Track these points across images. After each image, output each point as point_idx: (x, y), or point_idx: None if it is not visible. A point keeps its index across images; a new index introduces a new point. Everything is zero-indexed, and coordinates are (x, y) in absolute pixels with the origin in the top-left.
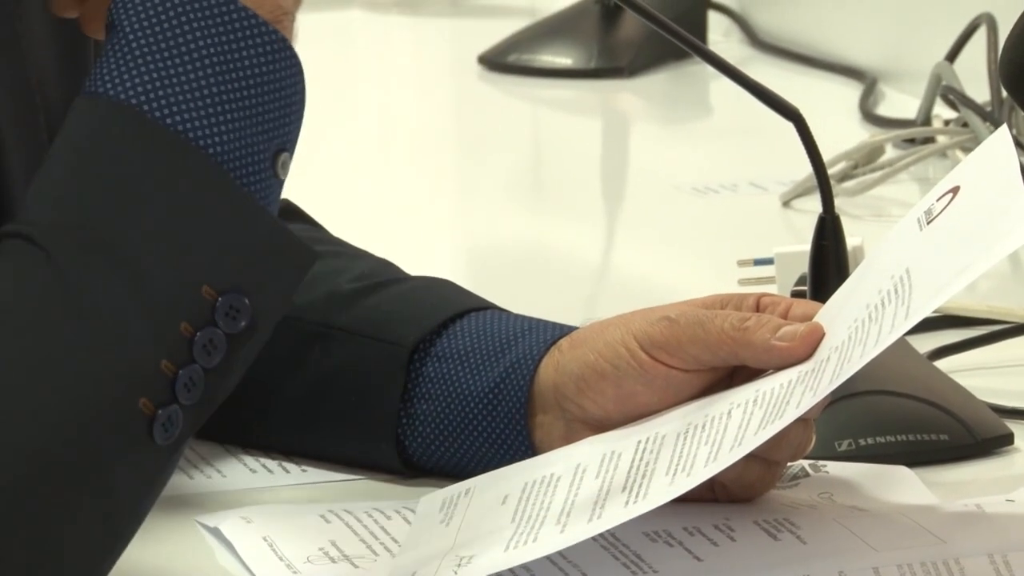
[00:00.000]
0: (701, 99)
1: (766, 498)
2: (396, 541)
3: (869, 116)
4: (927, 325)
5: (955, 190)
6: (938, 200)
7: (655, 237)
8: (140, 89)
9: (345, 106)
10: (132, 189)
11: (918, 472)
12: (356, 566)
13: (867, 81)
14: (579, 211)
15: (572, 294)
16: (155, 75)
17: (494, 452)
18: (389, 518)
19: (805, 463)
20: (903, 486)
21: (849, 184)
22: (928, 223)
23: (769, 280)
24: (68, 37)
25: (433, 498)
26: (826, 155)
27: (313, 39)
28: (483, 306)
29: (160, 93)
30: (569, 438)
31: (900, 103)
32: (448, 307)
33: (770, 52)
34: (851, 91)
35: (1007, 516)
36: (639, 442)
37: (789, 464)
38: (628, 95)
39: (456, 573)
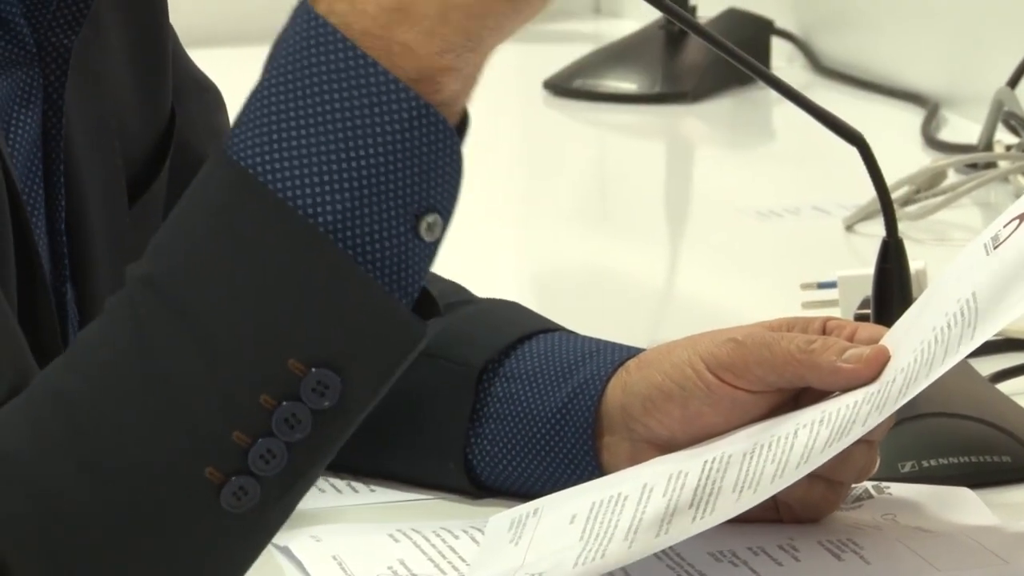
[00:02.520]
0: (764, 124)
1: (830, 519)
2: (464, 560)
3: (931, 141)
4: (989, 348)
5: (1022, 216)
6: (1005, 226)
7: (719, 260)
8: (254, 150)
9: None
10: (225, 253)
11: (980, 493)
12: None
13: (929, 106)
14: (643, 234)
15: (637, 316)
16: (272, 136)
17: (561, 472)
18: (457, 538)
19: (869, 484)
20: (966, 507)
21: (911, 208)
22: (995, 248)
23: (832, 303)
24: (144, 66)
25: (501, 518)
26: (888, 179)
27: None
28: (550, 328)
29: (272, 156)
30: (635, 458)
31: (962, 128)
32: (516, 328)
33: (832, 77)
34: (913, 116)
35: None
36: (706, 462)
37: (853, 486)
38: (692, 120)
39: None
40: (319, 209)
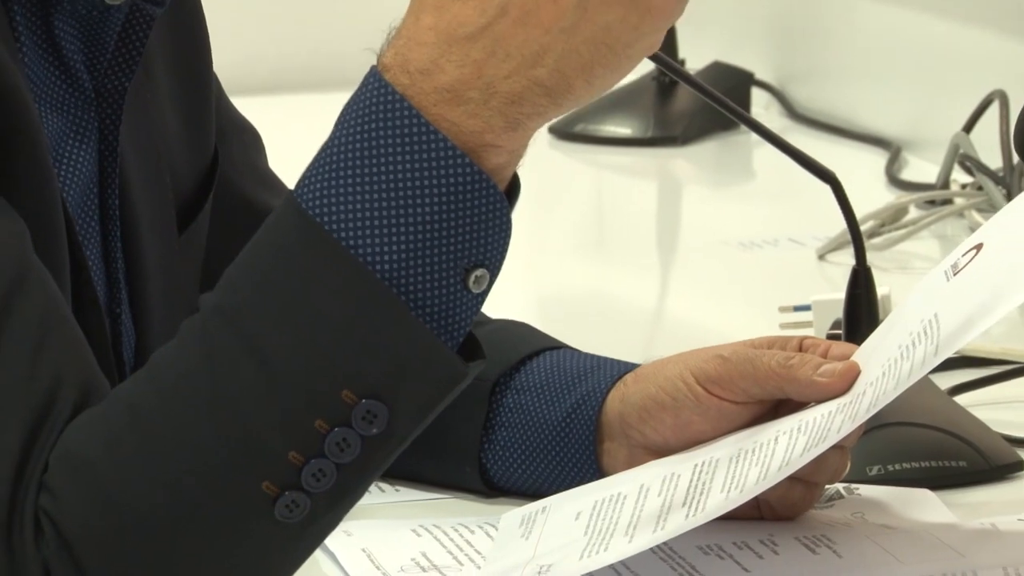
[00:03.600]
0: (745, 165)
1: (806, 517)
2: (480, 553)
3: (894, 180)
4: (947, 365)
5: (979, 247)
6: (963, 255)
7: (705, 286)
8: (322, 201)
9: None
10: (290, 291)
11: (939, 495)
12: (443, 574)
13: (892, 149)
14: (637, 262)
15: (632, 336)
16: (339, 189)
17: (566, 474)
18: (473, 532)
19: (840, 486)
20: (926, 507)
21: (877, 240)
22: (954, 275)
23: (807, 324)
24: (191, 109)
25: (513, 515)
26: (856, 214)
27: None
28: (556, 345)
29: (338, 208)
30: (632, 462)
31: (922, 169)
32: (526, 346)
33: (806, 123)
34: (878, 158)
35: (1019, 534)
36: (696, 465)
37: (827, 487)
38: (681, 161)
39: None
40: (377, 258)
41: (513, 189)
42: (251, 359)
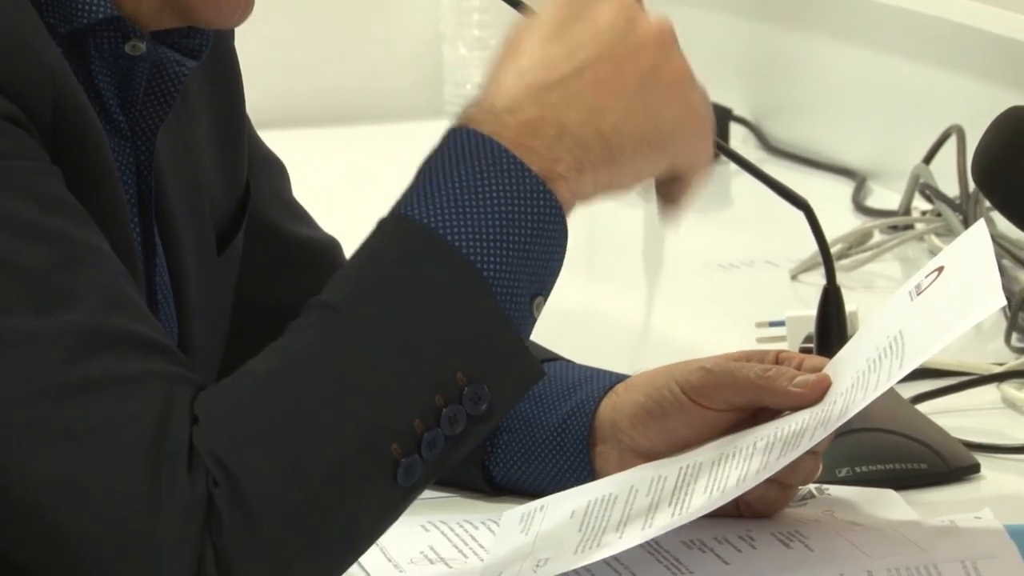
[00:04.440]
0: (725, 193)
1: (781, 514)
2: (483, 547)
3: (860, 207)
4: (910, 375)
5: (940, 269)
6: (926, 277)
7: (688, 304)
8: (432, 211)
9: None
10: (416, 286)
11: (903, 494)
12: (450, 567)
13: (858, 179)
14: (626, 283)
15: (621, 349)
16: (448, 203)
17: (562, 475)
18: (477, 528)
19: (812, 487)
20: (891, 506)
21: (845, 262)
22: (918, 295)
23: (781, 339)
24: (226, 142)
25: (513, 513)
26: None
27: (406, 146)
28: (553, 357)
29: (448, 216)
30: (622, 465)
31: (885, 197)
32: None
33: (779, 155)
34: (845, 187)
35: (975, 530)
36: (681, 468)
37: (800, 487)
38: None
39: (536, 573)
40: (489, 269)
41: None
42: (383, 338)
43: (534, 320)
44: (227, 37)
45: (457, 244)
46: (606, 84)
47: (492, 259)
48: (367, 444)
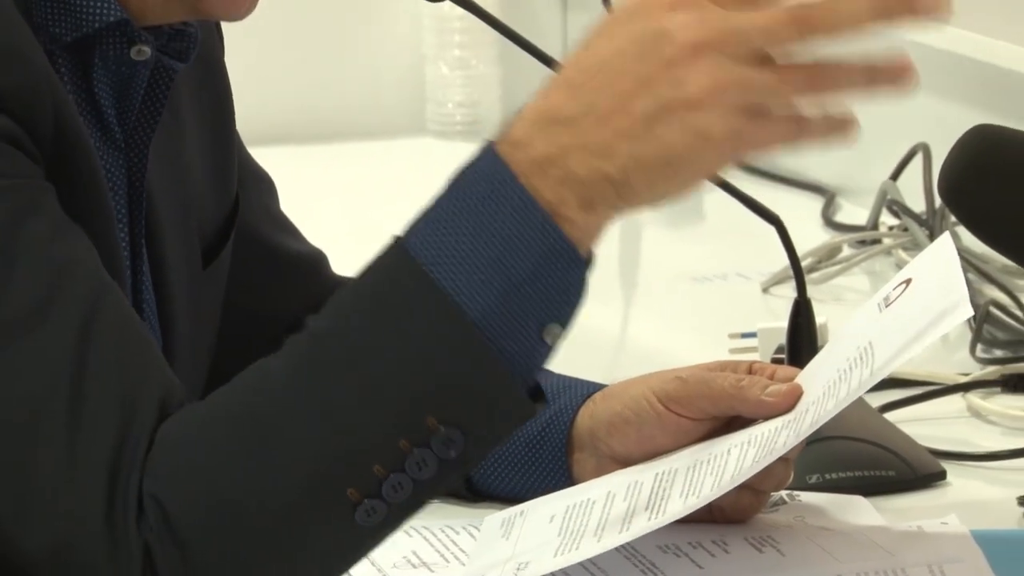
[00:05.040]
0: (698, 208)
1: (753, 520)
2: (464, 552)
3: (829, 222)
4: (879, 385)
5: (908, 281)
6: (894, 289)
7: (663, 316)
8: (428, 248)
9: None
10: (393, 322)
11: (872, 500)
12: (432, 571)
13: (828, 195)
14: (603, 295)
15: (598, 360)
16: (444, 240)
17: (542, 481)
18: (458, 533)
19: (784, 493)
20: (860, 511)
21: (814, 275)
22: (887, 306)
23: (753, 350)
24: (216, 157)
25: (494, 518)
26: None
27: (389, 162)
28: None
29: (441, 255)
30: (600, 472)
31: (854, 212)
32: None
33: (751, 172)
34: (815, 203)
35: (942, 535)
36: (657, 474)
37: (772, 494)
38: None
39: (515, 575)
40: (472, 304)
41: (589, 261)
42: (351, 378)
43: (548, 348)
44: (218, 52)
45: (443, 282)
46: (614, 120)
47: (481, 299)
48: (317, 487)
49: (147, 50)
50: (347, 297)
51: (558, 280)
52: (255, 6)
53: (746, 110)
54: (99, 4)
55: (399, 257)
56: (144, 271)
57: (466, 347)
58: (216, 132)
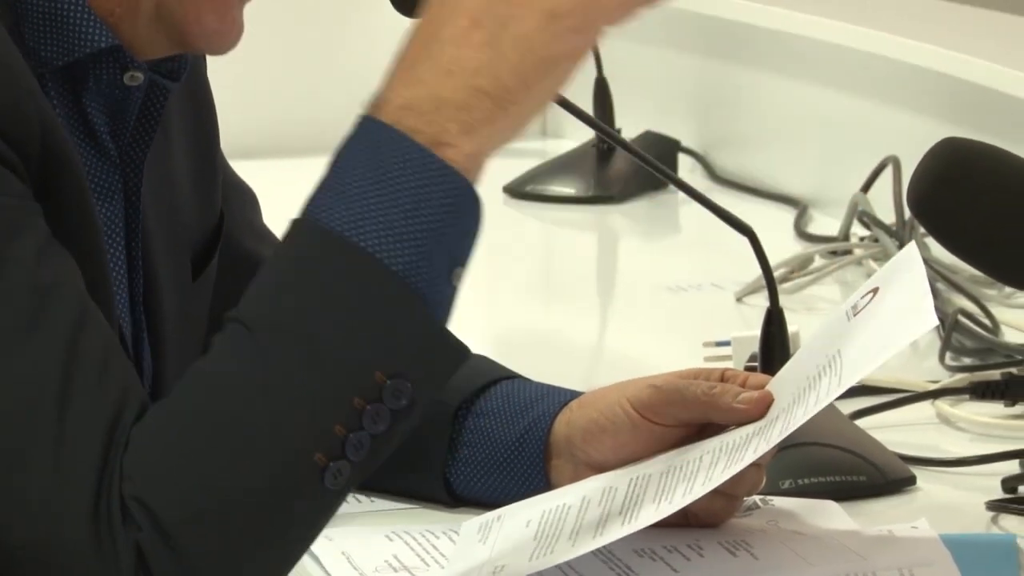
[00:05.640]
0: (673, 220)
1: (727, 524)
2: (444, 556)
3: (801, 233)
4: (849, 392)
5: (875, 290)
6: (862, 298)
7: (639, 324)
8: (341, 216)
9: None
10: (326, 292)
11: (843, 505)
12: (413, 575)
13: (800, 207)
14: (580, 304)
15: (575, 368)
16: (355, 205)
17: (519, 487)
18: (438, 538)
19: (757, 498)
20: (831, 516)
21: (787, 285)
22: (855, 315)
23: (727, 358)
24: (201, 172)
25: (472, 523)
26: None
27: None
28: (511, 375)
29: (356, 219)
30: (576, 477)
31: (825, 224)
32: (484, 376)
33: (725, 184)
34: (787, 214)
35: (911, 539)
36: (631, 479)
37: (745, 498)
38: (618, 216)
39: None
40: (395, 259)
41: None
42: (299, 351)
43: (455, 290)
44: (201, 68)
45: (361, 242)
46: (469, 40)
47: (399, 249)
48: (289, 460)
49: (140, 75)
50: (267, 279)
51: (458, 216)
52: (239, 41)
53: None
54: (91, 30)
55: (313, 230)
56: (139, 283)
57: (397, 300)
58: (201, 148)
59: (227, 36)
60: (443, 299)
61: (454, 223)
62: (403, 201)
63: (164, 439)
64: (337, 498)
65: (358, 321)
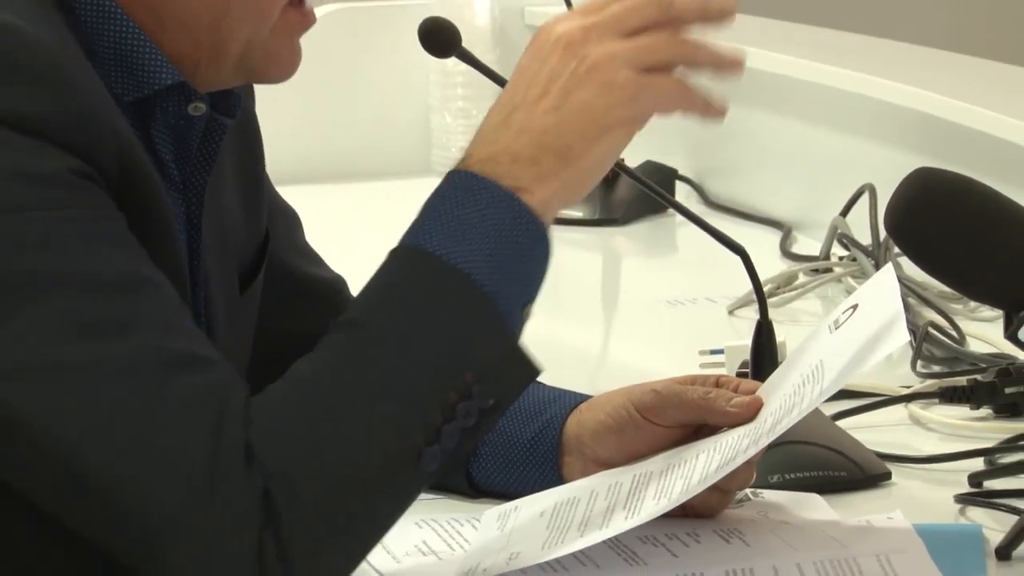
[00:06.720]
0: (671, 241)
1: (721, 515)
2: (467, 541)
3: (786, 253)
4: (831, 396)
5: (855, 307)
6: (843, 313)
7: (640, 335)
8: (442, 242)
9: None
10: (426, 302)
11: (826, 498)
12: (440, 558)
13: (785, 229)
14: (587, 317)
15: (582, 374)
16: (453, 236)
17: (534, 481)
18: (462, 525)
19: (748, 491)
20: (815, 507)
21: (773, 300)
22: (836, 329)
23: (720, 365)
24: (248, 192)
25: (492, 512)
26: None
27: (399, 200)
28: None
29: (453, 245)
30: (585, 473)
31: (808, 244)
32: None
33: (718, 209)
34: (773, 236)
35: (888, 529)
36: (635, 475)
37: (738, 492)
38: (621, 237)
39: (508, 564)
40: (485, 280)
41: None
42: (404, 348)
43: (524, 323)
44: (250, 102)
45: (456, 263)
46: (536, 106)
47: (488, 272)
48: (397, 439)
49: (203, 106)
50: (375, 291)
51: (533, 254)
52: (297, 69)
53: (638, 67)
54: (160, 69)
55: (413, 253)
56: (201, 301)
57: (486, 316)
58: (248, 174)
59: (294, 65)
60: (517, 323)
61: (532, 259)
62: (491, 234)
63: (293, 408)
64: (425, 481)
65: (453, 329)
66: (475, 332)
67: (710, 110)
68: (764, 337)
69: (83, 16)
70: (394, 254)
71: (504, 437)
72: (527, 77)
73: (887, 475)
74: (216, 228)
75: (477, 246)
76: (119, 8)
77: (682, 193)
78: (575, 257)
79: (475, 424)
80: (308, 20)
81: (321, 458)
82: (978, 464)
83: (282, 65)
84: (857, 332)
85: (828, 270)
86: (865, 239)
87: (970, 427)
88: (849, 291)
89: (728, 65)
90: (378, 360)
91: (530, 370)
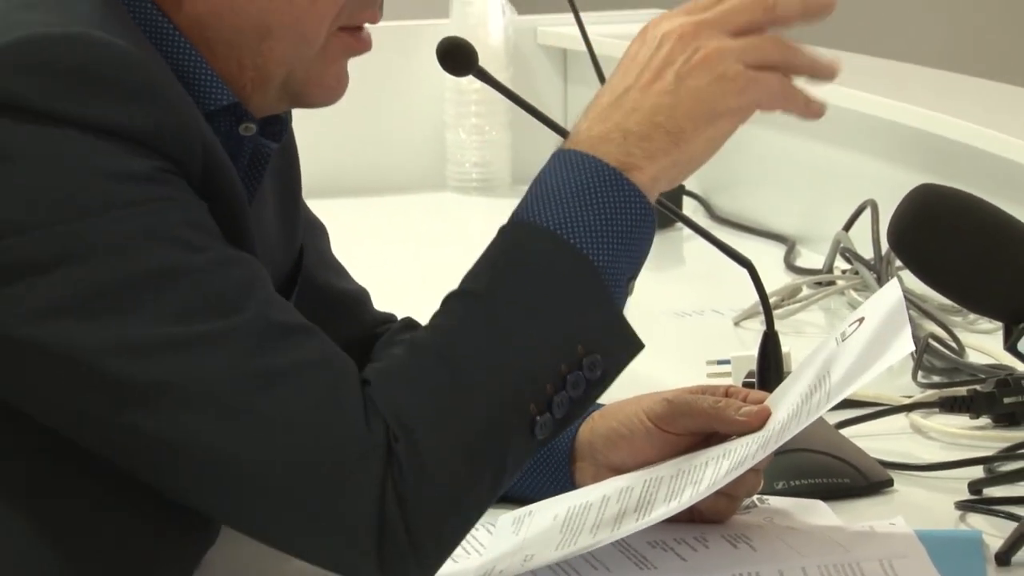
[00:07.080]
0: (678, 253)
1: (729, 521)
2: (483, 545)
3: (791, 266)
4: (835, 405)
5: (861, 320)
6: (850, 326)
7: (649, 345)
8: (557, 219)
9: (434, 261)
10: (540, 274)
11: (830, 504)
12: (455, 561)
13: (789, 243)
14: None
15: None
16: (564, 212)
17: (548, 486)
18: (477, 529)
19: (755, 498)
20: (820, 513)
21: (778, 312)
22: (843, 341)
23: (727, 375)
24: (285, 211)
25: (507, 516)
26: None
27: (415, 213)
28: None
29: (566, 223)
30: (598, 478)
31: (812, 258)
32: None
33: (723, 223)
34: (778, 250)
35: (890, 534)
36: (645, 481)
37: (745, 498)
38: None
39: (523, 565)
40: (595, 255)
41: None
42: (522, 318)
43: (628, 295)
44: (289, 125)
45: (568, 238)
46: (650, 88)
47: (598, 247)
48: (513, 405)
49: (253, 126)
50: (489, 264)
51: (639, 229)
52: (343, 93)
53: (746, 63)
54: (215, 90)
55: (524, 226)
56: None
57: (595, 289)
58: (287, 189)
59: (338, 90)
60: (622, 297)
61: (639, 236)
62: (601, 210)
63: (415, 371)
64: (535, 450)
65: (566, 301)
66: (586, 305)
67: (810, 108)
68: (770, 347)
69: (146, 36)
70: (505, 230)
71: None
72: (638, 63)
73: (889, 482)
74: (260, 245)
75: (588, 223)
76: (175, 29)
77: (689, 207)
78: None
79: (583, 394)
80: (364, 45)
81: (443, 422)
82: (978, 472)
83: (326, 89)
84: (863, 343)
85: (831, 283)
86: (867, 253)
87: (970, 436)
88: (852, 303)
89: (824, 70)
90: (498, 328)
91: (634, 343)
